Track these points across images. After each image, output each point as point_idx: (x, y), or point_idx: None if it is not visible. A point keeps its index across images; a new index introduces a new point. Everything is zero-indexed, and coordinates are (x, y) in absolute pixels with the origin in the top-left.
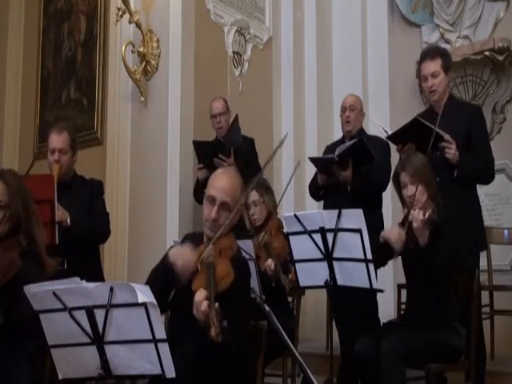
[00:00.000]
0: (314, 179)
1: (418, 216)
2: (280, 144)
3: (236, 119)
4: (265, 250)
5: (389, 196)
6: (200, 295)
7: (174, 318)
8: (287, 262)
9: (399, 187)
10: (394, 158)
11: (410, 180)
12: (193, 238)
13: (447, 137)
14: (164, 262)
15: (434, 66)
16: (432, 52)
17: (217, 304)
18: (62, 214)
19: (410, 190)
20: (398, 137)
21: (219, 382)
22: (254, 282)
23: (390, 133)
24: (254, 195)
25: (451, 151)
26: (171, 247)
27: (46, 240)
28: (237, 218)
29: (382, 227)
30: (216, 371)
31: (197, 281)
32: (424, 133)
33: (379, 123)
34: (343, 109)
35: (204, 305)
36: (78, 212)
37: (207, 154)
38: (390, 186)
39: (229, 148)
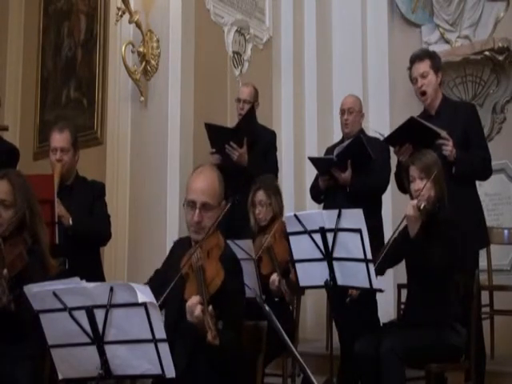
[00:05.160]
0: (316, 182)
1: (411, 203)
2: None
3: (252, 110)
4: (267, 255)
5: (389, 196)
6: (193, 300)
7: (167, 326)
8: (289, 268)
9: (408, 180)
10: (394, 158)
11: (419, 175)
12: (182, 244)
13: (444, 134)
14: None
15: (422, 66)
16: (420, 54)
17: (210, 307)
18: (63, 212)
19: (417, 185)
20: (395, 138)
21: (219, 382)
22: (254, 283)
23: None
24: (261, 195)
25: (448, 148)
26: None
27: (48, 241)
28: (221, 215)
29: (381, 227)
30: (215, 372)
31: (188, 288)
32: (421, 132)
33: (374, 128)
34: (341, 111)
35: (198, 310)
36: (78, 213)
37: (219, 139)
38: (390, 186)
39: (242, 137)
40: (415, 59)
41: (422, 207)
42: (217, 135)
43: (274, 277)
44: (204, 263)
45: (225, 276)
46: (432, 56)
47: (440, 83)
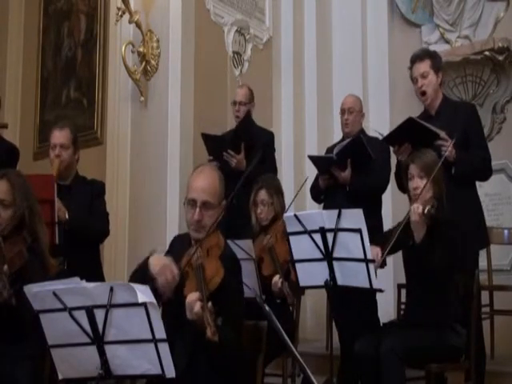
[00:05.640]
0: (316, 182)
1: (416, 209)
2: (302, 185)
3: (248, 114)
4: (269, 255)
5: (389, 196)
6: (192, 297)
7: (167, 324)
8: (290, 270)
9: (406, 178)
10: (394, 158)
11: (419, 173)
12: (181, 240)
13: (443, 134)
14: (144, 269)
15: (423, 66)
16: (421, 54)
17: (210, 303)
18: (59, 206)
19: (415, 183)
20: (393, 138)
21: (219, 382)
22: (254, 283)
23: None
24: (263, 194)
25: (447, 149)
26: (151, 252)
27: (48, 240)
28: (222, 215)
29: (381, 227)
30: (214, 371)
31: (188, 285)
32: (419, 132)
33: (374, 128)
34: (342, 111)
35: (197, 306)
36: (77, 212)
37: (216, 147)
38: (390, 186)
39: (239, 143)
40: (415, 59)
41: (426, 211)
42: (214, 144)
43: (277, 279)
44: (204, 261)
45: (225, 275)
46: (432, 56)
47: (440, 83)
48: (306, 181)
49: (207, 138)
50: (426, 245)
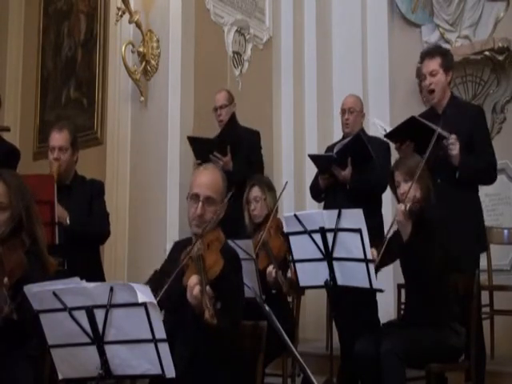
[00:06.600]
0: (316, 181)
1: (399, 208)
2: (282, 190)
3: (232, 116)
4: (263, 250)
5: (389, 196)
6: (192, 281)
7: (167, 315)
8: (286, 260)
9: (394, 186)
10: (394, 157)
11: (404, 178)
12: (181, 245)
13: (449, 136)
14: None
15: (432, 64)
16: (432, 51)
17: (208, 287)
18: (61, 212)
19: (402, 188)
20: (396, 135)
21: (218, 382)
22: (254, 281)
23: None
24: (256, 191)
25: (455, 151)
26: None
27: (46, 239)
28: (223, 212)
29: (381, 227)
30: (214, 371)
31: (187, 274)
32: (422, 131)
33: (378, 121)
34: (342, 111)
35: (196, 289)
36: (77, 213)
37: (203, 150)
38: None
39: (226, 145)
40: (425, 56)
41: (407, 208)
42: (200, 147)
43: (271, 269)
44: (204, 253)
45: (225, 266)
46: (443, 54)
47: (449, 82)
48: (286, 184)
49: (193, 141)
50: (414, 243)
